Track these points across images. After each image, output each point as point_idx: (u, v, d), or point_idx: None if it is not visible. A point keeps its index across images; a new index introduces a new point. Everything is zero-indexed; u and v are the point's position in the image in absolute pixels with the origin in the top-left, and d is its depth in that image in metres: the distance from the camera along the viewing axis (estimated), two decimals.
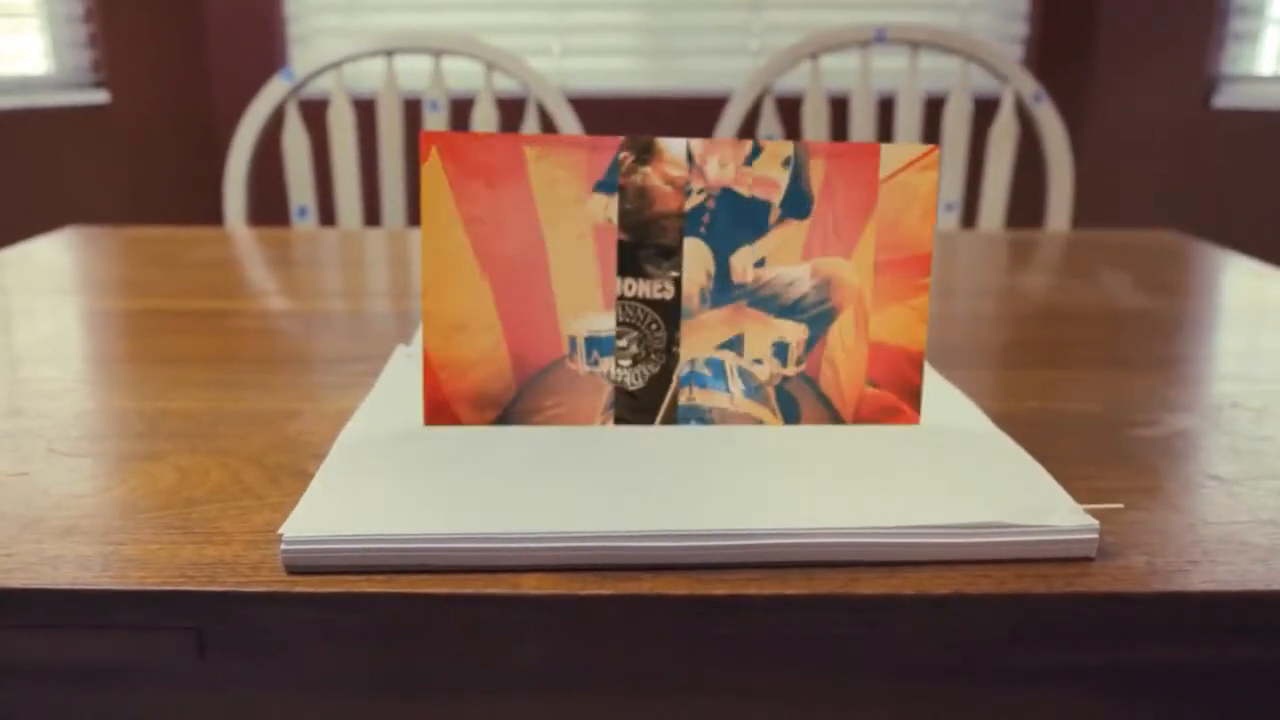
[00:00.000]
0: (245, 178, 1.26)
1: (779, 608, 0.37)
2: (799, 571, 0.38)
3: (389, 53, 1.29)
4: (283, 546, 0.38)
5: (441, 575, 0.38)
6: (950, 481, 0.44)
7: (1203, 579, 0.38)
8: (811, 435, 0.48)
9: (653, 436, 0.48)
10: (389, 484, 0.43)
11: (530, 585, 0.38)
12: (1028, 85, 1.28)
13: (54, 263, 0.94)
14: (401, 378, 0.58)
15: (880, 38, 1.29)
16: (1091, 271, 0.91)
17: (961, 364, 0.64)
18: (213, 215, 2.47)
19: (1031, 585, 0.38)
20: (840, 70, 1.79)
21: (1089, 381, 0.61)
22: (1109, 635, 0.38)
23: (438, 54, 1.29)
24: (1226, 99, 2.38)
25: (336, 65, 1.28)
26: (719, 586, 0.38)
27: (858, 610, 0.37)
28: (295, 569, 0.38)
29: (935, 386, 0.56)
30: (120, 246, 1.03)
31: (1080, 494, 0.44)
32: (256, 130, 1.26)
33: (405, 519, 0.40)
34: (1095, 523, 0.40)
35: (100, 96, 2.32)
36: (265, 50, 2.55)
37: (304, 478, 0.46)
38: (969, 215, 2.02)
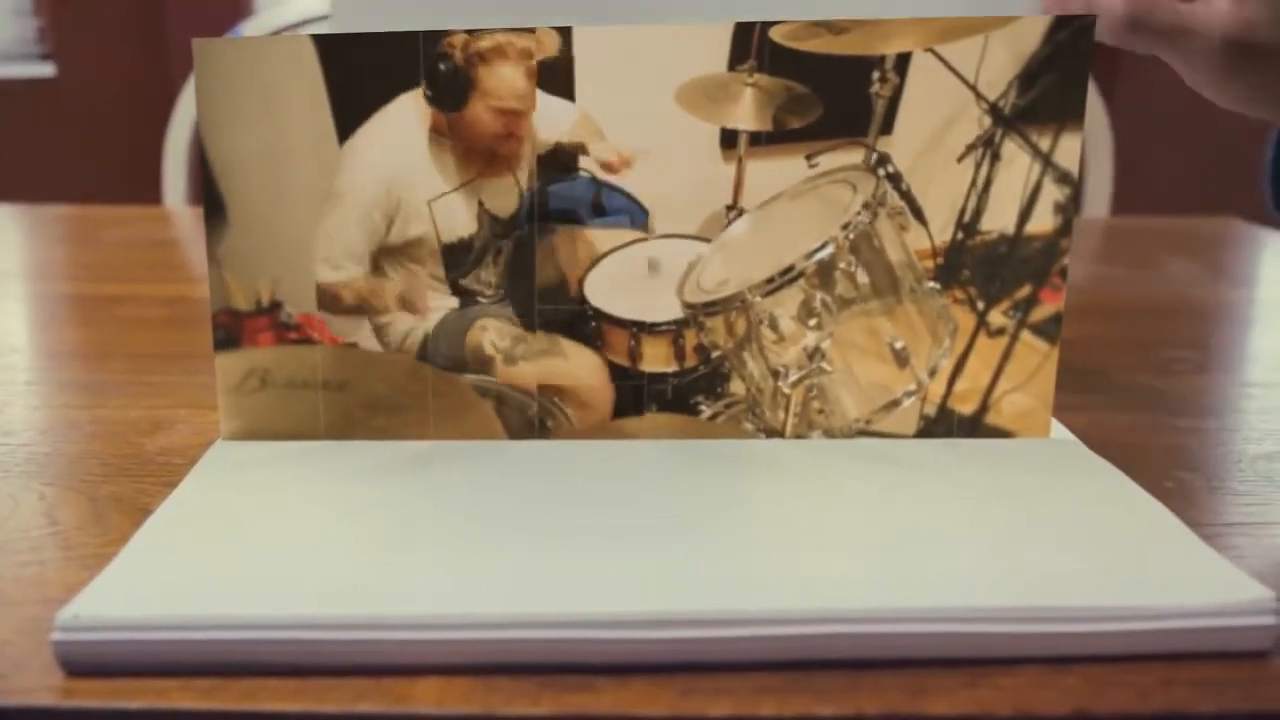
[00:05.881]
0: (188, 151, 1.13)
1: None
2: (840, 676, 0.26)
3: None
4: (56, 635, 0.25)
5: (293, 680, 0.25)
6: (1049, 538, 0.31)
7: None
8: (846, 460, 0.35)
9: (603, 451, 0.36)
10: (224, 543, 0.30)
11: (426, 698, 0.25)
12: None
13: None
14: None
15: None
16: (1154, 261, 0.78)
17: None
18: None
19: (1189, 699, 0.25)
20: None
21: (1190, 391, 0.48)
22: None
23: None
24: None
25: (294, 28, 1.15)
26: (719, 704, 0.25)
27: None
28: (75, 667, 0.25)
29: None
30: (33, 225, 0.90)
31: (1230, 552, 0.31)
32: None
33: (241, 595, 0.27)
34: (1271, 596, 0.27)
35: (46, 69, 2.13)
36: (230, 19, 2.39)
37: (140, 516, 0.33)
38: None
